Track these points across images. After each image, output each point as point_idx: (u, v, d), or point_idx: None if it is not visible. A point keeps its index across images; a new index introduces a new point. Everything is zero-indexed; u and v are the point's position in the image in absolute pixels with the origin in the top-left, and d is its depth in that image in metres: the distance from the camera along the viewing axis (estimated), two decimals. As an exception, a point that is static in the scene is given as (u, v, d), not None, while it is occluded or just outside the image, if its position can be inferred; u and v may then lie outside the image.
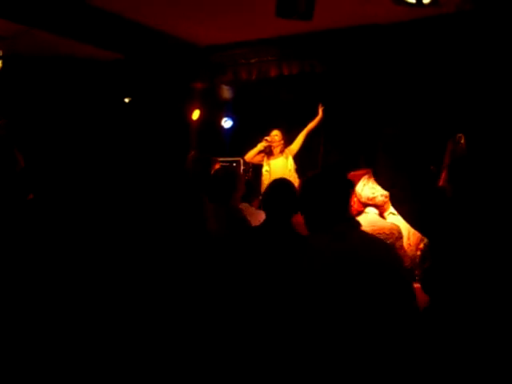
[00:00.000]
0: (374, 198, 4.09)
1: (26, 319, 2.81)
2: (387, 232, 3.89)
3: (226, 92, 8.76)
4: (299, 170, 7.05)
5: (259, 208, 4.71)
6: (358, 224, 2.82)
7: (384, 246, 2.83)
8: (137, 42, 7.31)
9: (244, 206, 4.69)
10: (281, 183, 3.47)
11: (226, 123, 8.88)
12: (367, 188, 4.14)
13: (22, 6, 6.01)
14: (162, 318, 2.67)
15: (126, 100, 8.67)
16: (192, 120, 8.45)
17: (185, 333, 2.65)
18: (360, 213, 4.23)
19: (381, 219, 4.09)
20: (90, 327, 2.76)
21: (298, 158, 7.10)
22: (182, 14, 6.43)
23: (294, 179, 6.74)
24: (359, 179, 5.65)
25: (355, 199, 4.69)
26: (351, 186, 2.91)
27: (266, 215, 3.31)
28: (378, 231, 3.83)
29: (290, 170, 6.90)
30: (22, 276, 2.92)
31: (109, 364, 2.64)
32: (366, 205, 4.17)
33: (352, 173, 5.90)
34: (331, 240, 2.62)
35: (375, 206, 4.11)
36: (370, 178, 4.14)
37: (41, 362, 2.72)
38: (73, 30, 6.66)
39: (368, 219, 3.99)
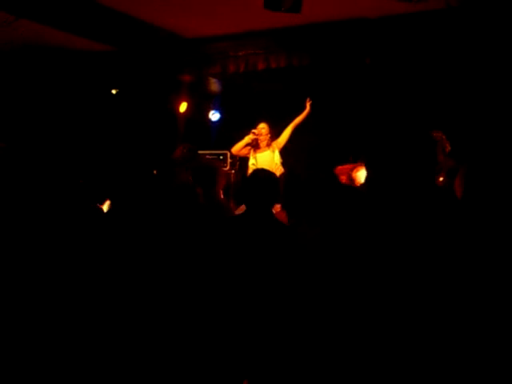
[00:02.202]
0: None
1: (25, 319, 2.80)
2: None
3: (214, 85, 8.73)
4: (285, 163, 7.04)
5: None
6: None
7: None
8: (124, 33, 7.27)
9: None
10: (261, 173, 3.44)
11: (214, 116, 8.85)
12: None
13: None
14: (158, 308, 2.67)
15: (113, 91, 8.62)
16: (179, 112, 8.41)
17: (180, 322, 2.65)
18: None
19: None
20: (89, 325, 2.75)
21: (284, 151, 7.08)
22: (169, 5, 6.39)
23: (280, 173, 6.74)
24: (345, 173, 5.69)
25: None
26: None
27: (246, 206, 3.27)
28: None
29: (276, 164, 6.88)
30: (21, 276, 2.90)
31: (109, 362, 2.63)
32: None
33: (339, 167, 5.94)
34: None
35: None
36: None
37: (41, 362, 2.71)
38: (60, 20, 6.61)
39: None
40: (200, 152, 8.02)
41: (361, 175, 4.34)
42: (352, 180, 4.78)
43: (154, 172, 4.78)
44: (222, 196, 4.74)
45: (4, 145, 5.13)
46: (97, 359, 2.70)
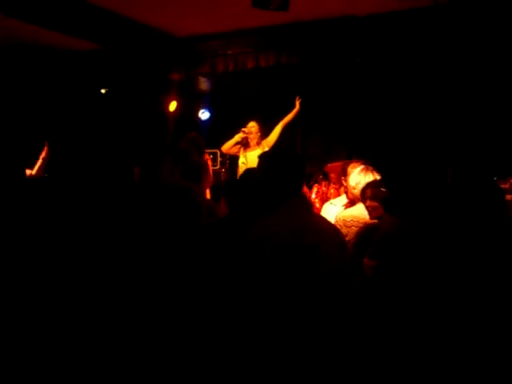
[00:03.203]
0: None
1: (25, 319, 2.78)
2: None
3: (204, 83, 8.73)
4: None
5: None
6: (307, 204, 2.77)
7: (332, 228, 2.78)
8: (114, 32, 7.25)
9: None
10: (247, 175, 3.41)
11: (203, 115, 8.86)
12: (363, 184, 4.16)
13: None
14: (156, 310, 2.66)
15: (103, 91, 8.60)
16: (169, 111, 8.40)
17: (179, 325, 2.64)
18: (353, 203, 4.30)
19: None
20: (89, 327, 2.74)
21: (274, 150, 7.09)
22: (159, 4, 6.38)
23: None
24: (336, 171, 5.71)
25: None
26: (302, 165, 2.83)
27: (229, 209, 3.24)
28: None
29: (266, 163, 6.87)
30: (20, 277, 2.89)
31: (109, 364, 2.62)
32: (357, 199, 4.21)
33: (329, 165, 5.96)
34: (275, 222, 2.58)
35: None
36: (366, 173, 4.17)
37: (41, 362, 2.70)
38: (48, 18, 6.59)
39: (357, 210, 4.07)
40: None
41: (357, 172, 4.33)
42: (346, 174, 4.78)
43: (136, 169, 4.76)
44: (208, 195, 4.74)
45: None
46: (94, 359, 2.70)
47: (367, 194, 3.76)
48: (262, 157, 2.94)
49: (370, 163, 4.52)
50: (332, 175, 5.82)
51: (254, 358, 2.45)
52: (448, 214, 2.67)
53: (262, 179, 2.80)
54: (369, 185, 3.86)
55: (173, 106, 8.39)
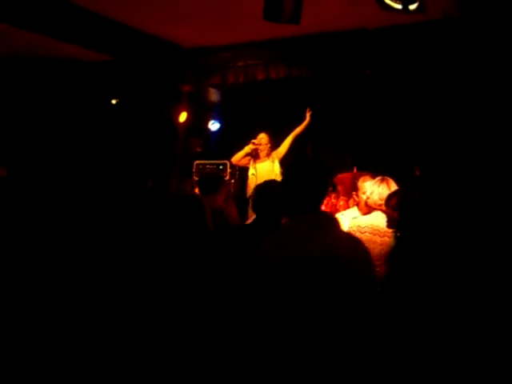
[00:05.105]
0: (382, 204, 4.13)
1: (25, 318, 2.81)
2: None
3: (214, 95, 8.75)
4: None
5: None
6: (327, 217, 2.74)
7: (353, 242, 2.68)
8: (125, 43, 7.29)
9: None
10: (272, 184, 3.47)
11: (213, 126, 8.87)
12: (376, 194, 4.18)
13: (7, 5, 5.97)
14: (161, 313, 2.67)
15: (113, 101, 8.64)
16: (179, 122, 8.43)
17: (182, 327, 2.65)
18: (369, 212, 4.32)
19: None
20: (90, 327, 2.76)
21: (284, 162, 7.10)
22: (169, 16, 6.42)
23: (281, 183, 6.74)
24: (347, 182, 5.70)
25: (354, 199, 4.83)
26: (324, 178, 2.80)
27: (256, 215, 3.32)
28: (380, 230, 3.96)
29: (276, 174, 6.87)
30: (21, 277, 2.91)
31: (109, 363, 2.63)
32: (372, 208, 4.23)
33: (339, 175, 5.96)
34: (289, 234, 2.58)
35: (381, 211, 4.15)
36: (381, 183, 4.18)
37: (41, 362, 2.71)
38: (59, 30, 6.63)
39: (373, 218, 4.10)
40: (200, 162, 8.08)
41: (372, 182, 4.33)
42: (356, 189, 4.77)
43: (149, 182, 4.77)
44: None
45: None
46: (94, 359, 2.71)
47: (391, 203, 3.75)
48: (286, 169, 2.99)
49: (377, 175, 4.53)
50: (339, 188, 5.82)
51: (260, 366, 2.45)
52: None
53: (282, 191, 2.82)
54: (395, 193, 3.86)
55: (183, 116, 8.41)
